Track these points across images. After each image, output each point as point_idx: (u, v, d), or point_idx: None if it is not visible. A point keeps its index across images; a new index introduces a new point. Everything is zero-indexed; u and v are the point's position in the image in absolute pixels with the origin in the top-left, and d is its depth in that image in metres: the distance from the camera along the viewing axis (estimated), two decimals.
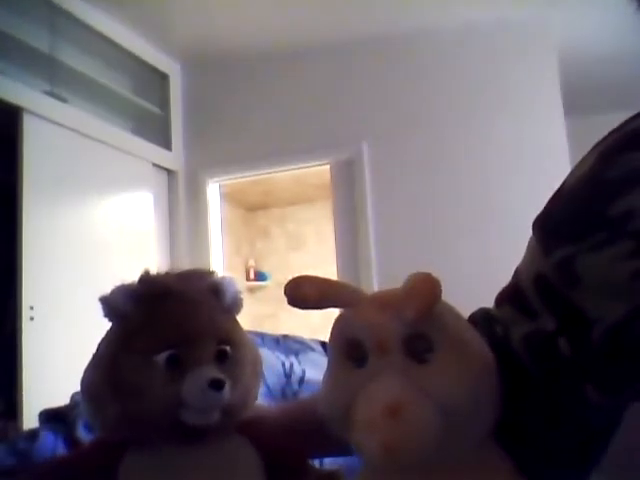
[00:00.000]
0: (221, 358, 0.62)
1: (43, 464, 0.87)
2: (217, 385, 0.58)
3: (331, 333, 0.48)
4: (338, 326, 0.48)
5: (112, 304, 0.63)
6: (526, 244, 0.56)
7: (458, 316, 0.48)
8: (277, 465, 0.64)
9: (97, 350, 0.66)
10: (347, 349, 0.46)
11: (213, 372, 0.59)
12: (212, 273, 0.68)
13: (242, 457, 0.63)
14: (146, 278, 0.65)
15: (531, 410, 0.49)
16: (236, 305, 0.67)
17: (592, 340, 0.43)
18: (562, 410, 0.48)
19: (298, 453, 0.66)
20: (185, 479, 0.61)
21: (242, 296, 0.68)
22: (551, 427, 0.49)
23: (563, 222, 0.46)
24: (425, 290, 0.42)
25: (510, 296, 0.52)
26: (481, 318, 0.55)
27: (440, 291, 0.42)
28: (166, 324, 0.62)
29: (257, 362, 0.68)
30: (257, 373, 0.67)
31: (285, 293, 0.45)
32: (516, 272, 0.52)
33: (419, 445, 0.40)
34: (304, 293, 0.45)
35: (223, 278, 0.66)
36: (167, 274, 0.67)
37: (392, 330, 0.43)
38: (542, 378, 0.48)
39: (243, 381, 0.63)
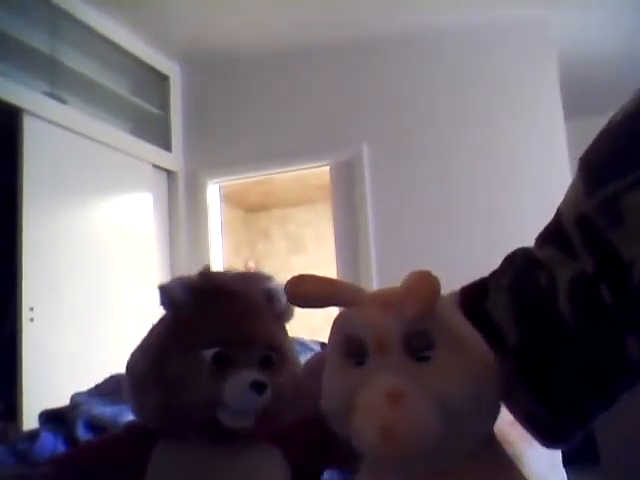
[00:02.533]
0: (265, 363, 0.62)
1: (74, 449, 0.86)
2: (259, 387, 0.58)
3: (331, 331, 0.48)
4: (338, 324, 0.48)
5: (170, 293, 0.63)
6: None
7: (458, 314, 0.48)
8: (305, 475, 0.64)
9: (147, 337, 0.65)
10: (347, 347, 0.46)
11: (256, 375, 0.59)
12: (268, 279, 0.67)
13: (269, 466, 0.63)
14: (206, 274, 0.64)
15: (566, 368, 0.48)
16: (287, 313, 0.67)
17: (632, 285, 0.41)
18: (599, 370, 0.47)
19: (328, 464, 0.66)
20: (211, 475, 0.61)
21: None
22: (586, 386, 0.48)
23: (608, 158, 0.44)
24: (425, 288, 0.42)
25: (553, 236, 0.51)
26: (523, 262, 0.53)
27: (439, 289, 0.42)
28: (220, 321, 0.62)
29: (298, 371, 0.67)
30: (296, 382, 0.66)
31: (286, 291, 0.45)
32: (558, 212, 0.51)
33: (418, 436, 0.40)
34: (305, 291, 0.45)
35: (278, 285, 0.66)
36: (226, 273, 0.67)
37: (392, 328, 0.43)
38: (583, 333, 0.46)
39: (283, 390, 0.63)
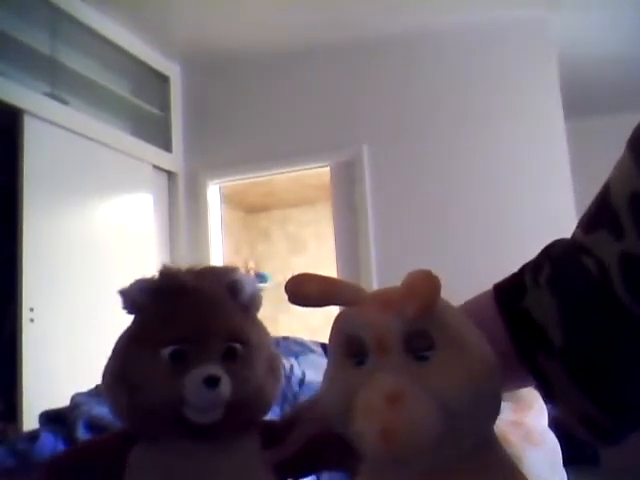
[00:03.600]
0: (230, 356, 0.62)
1: (63, 450, 0.88)
2: (211, 382, 0.58)
3: (331, 331, 0.48)
4: (338, 324, 0.48)
5: (129, 296, 0.64)
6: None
7: (459, 314, 0.48)
8: (288, 467, 0.64)
9: (116, 341, 0.66)
10: (347, 347, 0.46)
11: (212, 369, 0.59)
12: (231, 271, 0.67)
13: (250, 458, 0.64)
14: (165, 272, 0.65)
15: (626, 362, 0.46)
16: (253, 304, 0.67)
17: None
18: None
19: (312, 458, 0.66)
20: (187, 475, 0.61)
21: (261, 294, 0.68)
22: None
23: None
24: (425, 287, 0.42)
25: (599, 217, 0.48)
26: (564, 251, 0.51)
27: (440, 288, 0.42)
28: (175, 319, 0.62)
29: (273, 362, 0.68)
30: (273, 373, 0.67)
31: (286, 290, 0.45)
32: (605, 190, 0.49)
33: (418, 436, 0.40)
34: (305, 290, 0.45)
35: (241, 276, 0.66)
36: (186, 270, 0.67)
37: (392, 328, 0.43)
38: None
39: (253, 380, 0.63)
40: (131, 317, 0.66)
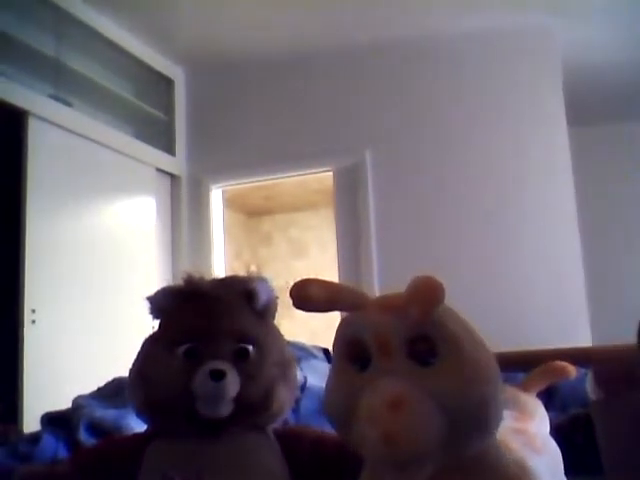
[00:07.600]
0: (242, 356, 0.66)
1: (89, 446, 0.94)
2: (216, 375, 0.62)
3: (335, 336, 0.48)
4: (342, 328, 0.48)
5: (153, 302, 0.70)
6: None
7: (462, 320, 0.48)
8: (307, 472, 0.66)
9: (142, 342, 0.72)
10: (351, 351, 0.46)
11: (220, 365, 0.63)
12: (250, 280, 0.72)
13: (262, 457, 0.66)
14: (188, 280, 0.71)
15: None
16: (268, 310, 0.72)
17: None
18: None
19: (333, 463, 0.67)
20: (199, 468, 0.63)
21: (276, 302, 0.73)
22: None
23: None
24: (428, 292, 0.42)
25: None
26: None
27: (443, 293, 0.42)
28: (191, 320, 0.67)
29: (286, 365, 0.71)
30: (286, 375, 0.70)
31: (291, 295, 0.46)
32: None
33: (419, 441, 0.40)
34: (310, 295, 0.45)
35: (258, 284, 0.71)
36: (207, 279, 0.72)
37: (395, 332, 0.43)
38: None
39: (263, 379, 0.66)
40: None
